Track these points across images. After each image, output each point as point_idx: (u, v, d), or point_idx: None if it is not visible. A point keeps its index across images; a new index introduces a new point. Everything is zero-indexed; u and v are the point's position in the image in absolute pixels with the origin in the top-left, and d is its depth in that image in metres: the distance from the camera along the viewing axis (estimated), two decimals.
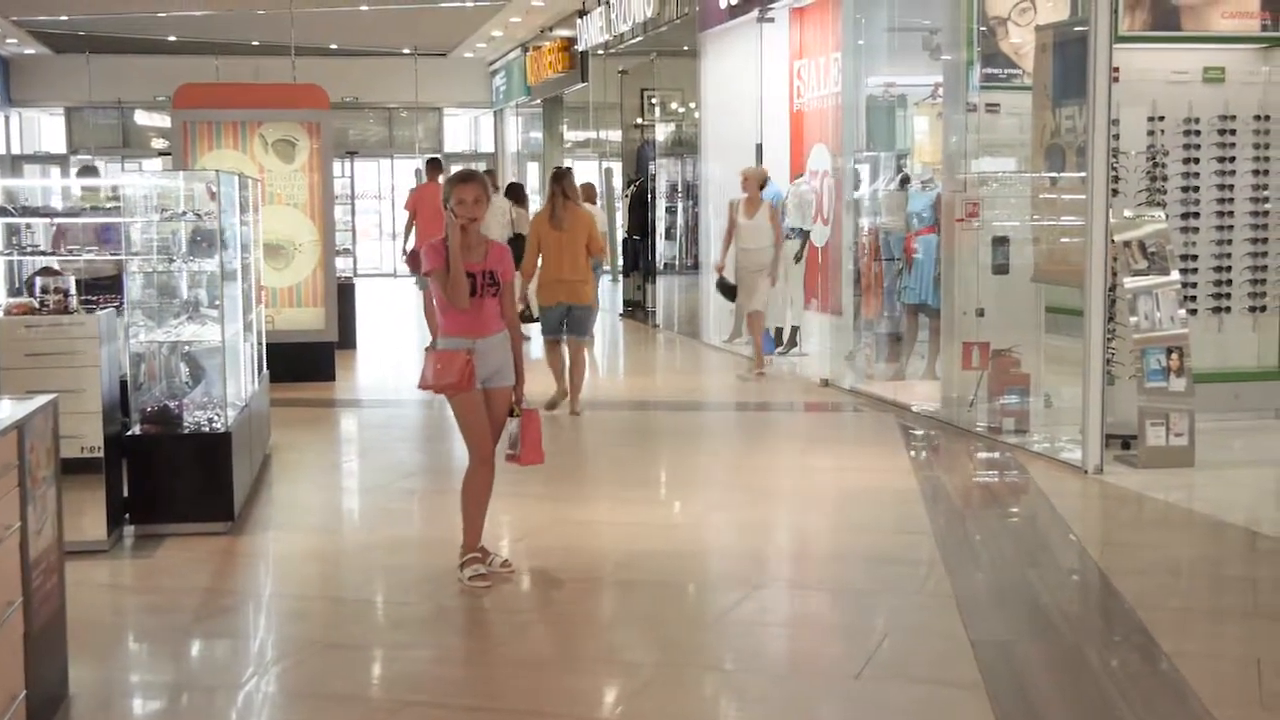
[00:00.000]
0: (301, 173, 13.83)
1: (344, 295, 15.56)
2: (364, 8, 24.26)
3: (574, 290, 11.77)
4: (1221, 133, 10.57)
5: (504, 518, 8.58)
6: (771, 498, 8.99)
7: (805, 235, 14.86)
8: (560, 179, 11.97)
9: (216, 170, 9.27)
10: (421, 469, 10.35)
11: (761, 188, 14.00)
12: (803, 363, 14.65)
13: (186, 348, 8.40)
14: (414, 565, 7.35)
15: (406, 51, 30.19)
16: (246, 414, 8.58)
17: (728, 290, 14.53)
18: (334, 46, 28.40)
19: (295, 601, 6.85)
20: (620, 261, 22.37)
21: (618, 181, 23.88)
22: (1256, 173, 10.63)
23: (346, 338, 15.61)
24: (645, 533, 7.93)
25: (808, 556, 7.84)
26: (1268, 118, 10.61)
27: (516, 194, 18.21)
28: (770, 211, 13.84)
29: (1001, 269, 10.56)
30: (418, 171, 27.78)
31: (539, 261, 11.79)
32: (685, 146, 19.41)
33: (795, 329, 15.26)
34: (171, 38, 27.57)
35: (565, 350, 12.09)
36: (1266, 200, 10.67)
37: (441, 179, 17.49)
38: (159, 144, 29.30)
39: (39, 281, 7.44)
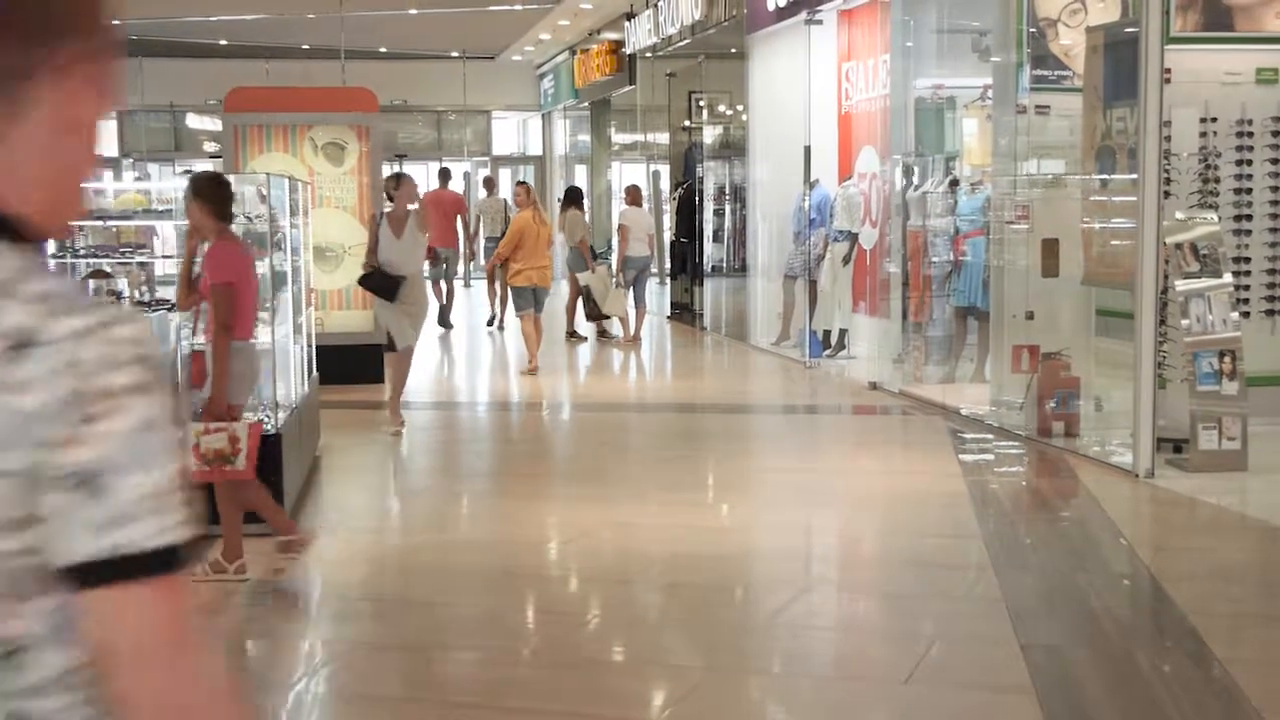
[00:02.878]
0: (350, 176, 13.89)
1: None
2: (413, 11, 24.34)
3: (543, 275, 15.17)
4: (1275, 134, 10.47)
5: (551, 519, 8.61)
6: (819, 500, 8.97)
7: (854, 238, 14.82)
8: (531, 192, 15.94)
9: (267, 173, 9.34)
10: (470, 471, 10.39)
11: None
12: (851, 365, 14.62)
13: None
14: (462, 567, 7.37)
15: (455, 54, 30.28)
16: (296, 415, 8.63)
17: None
18: (383, 50, 28.52)
19: (344, 603, 6.88)
20: (668, 264, 22.37)
21: (665, 184, 23.88)
22: None
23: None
24: (693, 535, 7.93)
25: (856, 560, 7.82)
26: None
27: (575, 198, 18.26)
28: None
29: (1051, 271, 10.50)
30: (476, 177, 27.88)
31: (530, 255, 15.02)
32: (733, 149, 19.38)
33: (844, 331, 15.22)
34: (223, 41, 27.77)
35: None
36: None
37: (451, 186, 20.12)
38: (210, 147, 29.51)
39: (91, 284, 7.50)
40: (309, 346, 10.05)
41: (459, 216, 20.11)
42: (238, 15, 24.50)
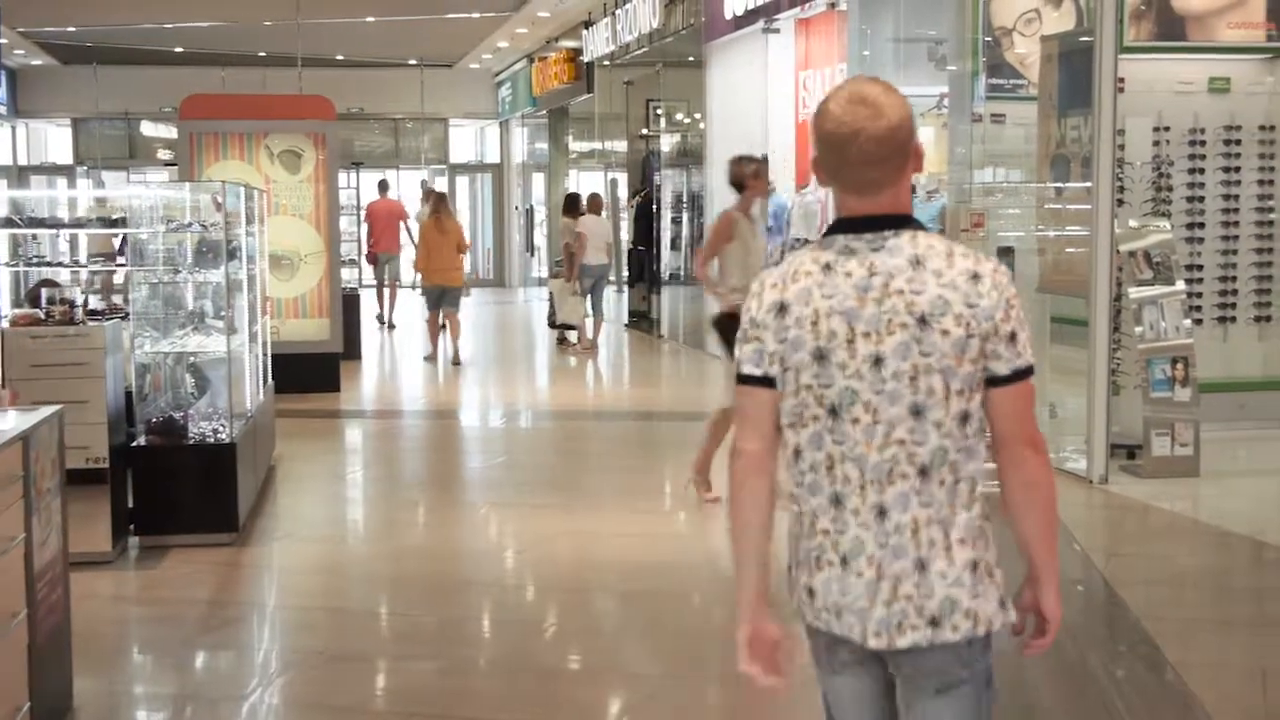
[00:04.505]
0: (307, 183, 13.84)
1: (349, 306, 15.58)
2: (370, 19, 24.27)
3: (449, 276, 16.30)
4: (1227, 143, 10.56)
5: (509, 528, 8.60)
6: (776, 508, 8.95)
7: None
8: (442, 199, 17.36)
9: (222, 181, 9.29)
10: (427, 480, 10.36)
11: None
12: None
13: (192, 359, 8.41)
14: (419, 576, 7.35)
15: (412, 62, 30.21)
16: (251, 425, 8.59)
17: None
18: (340, 57, 28.41)
19: (299, 613, 6.85)
20: (625, 272, 22.38)
21: (623, 192, 23.89)
22: (1262, 183, 10.61)
23: (351, 348, 15.62)
24: (651, 543, 7.93)
25: None
26: (1273, 128, 10.59)
27: (569, 205, 18.30)
28: None
29: None
30: (423, 183, 27.85)
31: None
32: (690, 157, 19.41)
33: None
34: (178, 49, 27.60)
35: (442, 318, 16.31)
36: (1272, 210, 10.65)
37: (390, 196, 22.10)
38: (165, 155, 29.35)
39: (44, 293, 7.45)
40: (264, 355, 9.99)
41: (401, 223, 21.62)
42: (194, 23, 24.36)
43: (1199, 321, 10.24)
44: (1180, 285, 9.51)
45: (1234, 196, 10.59)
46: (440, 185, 30.55)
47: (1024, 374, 2.83)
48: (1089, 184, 9.13)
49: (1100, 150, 8.97)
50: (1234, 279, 10.63)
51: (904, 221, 2.85)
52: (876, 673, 2.94)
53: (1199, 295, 10.46)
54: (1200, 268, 10.54)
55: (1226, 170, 10.57)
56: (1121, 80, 9.22)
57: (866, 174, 2.82)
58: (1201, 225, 10.56)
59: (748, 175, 8.78)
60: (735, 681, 5.81)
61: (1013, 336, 2.81)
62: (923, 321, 2.77)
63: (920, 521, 2.81)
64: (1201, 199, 10.56)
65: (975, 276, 2.80)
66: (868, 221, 2.85)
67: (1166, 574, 7.30)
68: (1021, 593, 3.02)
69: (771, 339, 2.86)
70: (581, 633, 6.46)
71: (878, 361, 2.79)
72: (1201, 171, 10.55)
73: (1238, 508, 8.39)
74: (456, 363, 16.23)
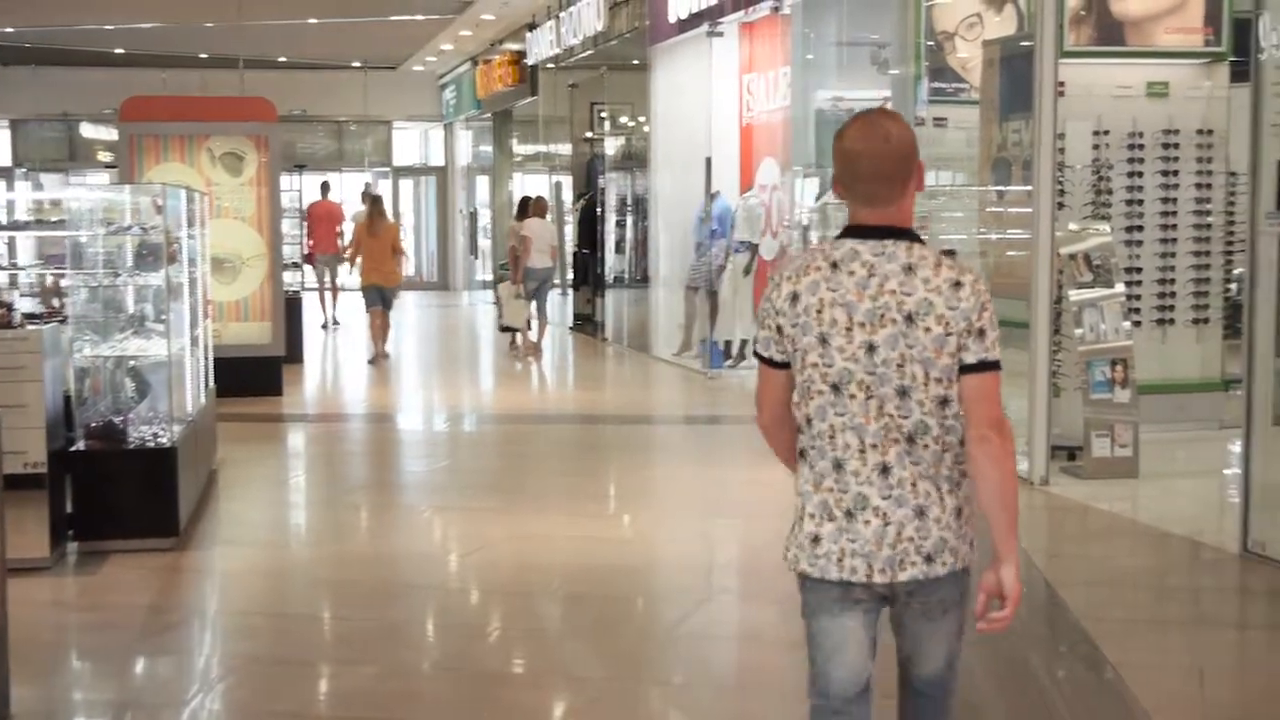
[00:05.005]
0: (249, 186, 13.75)
1: (291, 309, 15.50)
2: (313, 20, 24.15)
3: (384, 276, 16.76)
4: (1165, 146, 10.66)
5: (452, 531, 8.58)
6: (719, 510, 9.00)
7: (754, 249, 14.90)
8: (376, 202, 17.60)
9: (163, 184, 9.22)
10: (370, 483, 10.32)
11: None
12: (752, 376, 14.65)
13: (132, 362, 8.33)
14: (361, 580, 7.32)
15: (356, 65, 30.08)
16: (192, 429, 8.53)
17: None
18: (282, 59, 28.27)
19: (241, 618, 6.80)
20: (570, 275, 22.37)
21: (567, 195, 23.88)
22: (1199, 186, 10.72)
23: (294, 352, 15.53)
24: (595, 546, 7.93)
25: (757, 570, 7.84)
26: (1210, 132, 10.71)
27: (521, 208, 18.28)
28: None
29: None
30: (367, 185, 27.74)
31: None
32: (635, 160, 19.42)
33: (745, 342, 15.29)
34: (119, 50, 27.37)
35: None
36: (1209, 214, 10.77)
37: (331, 198, 22.64)
38: (105, 157, 29.09)
39: None
40: (206, 359, 9.92)
41: (338, 225, 22.07)
42: (134, 24, 24.16)
43: (1138, 324, 10.33)
44: (1120, 288, 9.59)
45: (1172, 200, 10.70)
46: (384, 188, 30.50)
47: (990, 366, 3.37)
48: (1030, 187, 9.20)
49: (1041, 154, 9.04)
50: (1172, 281, 10.74)
51: (903, 233, 3.42)
52: (872, 617, 3.49)
53: (1138, 298, 10.56)
54: (1139, 270, 10.64)
55: (1165, 174, 10.67)
56: (1062, 84, 9.30)
57: (874, 189, 3.42)
58: (1140, 228, 10.66)
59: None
60: (679, 685, 5.83)
61: (982, 333, 3.37)
62: (910, 319, 3.34)
63: (915, 476, 3.37)
64: (1140, 202, 10.66)
65: (957, 284, 3.36)
66: (873, 230, 3.42)
67: (1106, 574, 7.36)
68: (985, 576, 3.42)
69: (786, 324, 3.43)
70: (525, 636, 6.45)
71: (871, 348, 3.35)
72: (1140, 175, 10.65)
73: (1176, 508, 8.47)
74: (385, 356, 16.86)
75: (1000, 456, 3.35)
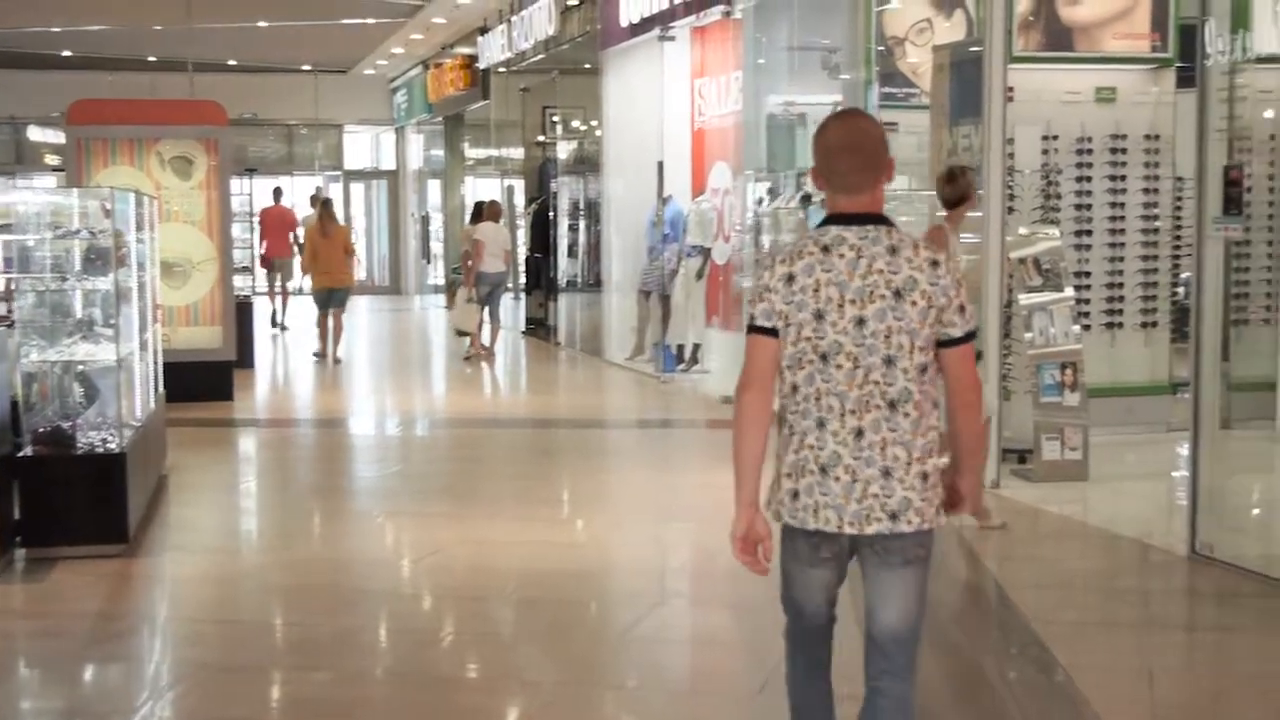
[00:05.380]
0: (199, 190, 13.65)
1: (242, 314, 15.41)
2: (263, 23, 24.04)
3: (336, 278, 17.01)
4: (1113, 151, 10.75)
5: (405, 536, 8.55)
6: (672, 515, 9.00)
7: (707, 253, 14.93)
8: (326, 205, 18.12)
9: (111, 187, 9.14)
10: (322, 489, 10.26)
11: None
12: (704, 380, 14.70)
13: (80, 367, 8.26)
14: (313, 586, 7.28)
15: (306, 68, 29.95)
16: (141, 434, 8.46)
17: None
18: (232, 63, 28.11)
19: (191, 624, 6.75)
20: (522, 279, 22.35)
21: (519, 199, 23.85)
22: (1147, 190, 10.81)
23: (245, 356, 15.44)
24: (548, 551, 7.92)
25: (709, 573, 7.86)
26: (1158, 137, 10.80)
27: (475, 213, 18.23)
28: None
29: None
30: (318, 189, 27.61)
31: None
32: (587, 164, 19.42)
33: (697, 346, 15.31)
34: (66, 53, 27.16)
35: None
36: (1157, 218, 10.86)
37: (284, 203, 22.86)
38: (53, 161, 28.83)
39: None
40: (155, 364, 9.85)
41: (290, 230, 22.40)
42: (82, 26, 23.97)
43: (1087, 327, 10.40)
44: (1069, 292, 9.65)
45: (1120, 204, 10.78)
46: (335, 192, 30.42)
47: (971, 336, 3.85)
48: (980, 192, 9.24)
49: (990, 158, 9.09)
50: (1121, 285, 10.82)
51: (881, 219, 3.88)
52: (841, 562, 3.92)
53: (1087, 301, 10.64)
54: (1088, 274, 10.72)
55: (1113, 179, 10.76)
56: (1011, 90, 9.35)
57: (854, 179, 3.88)
58: (1089, 233, 10.74)
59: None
60: (632, 689, 5.83)
61: (961, 308, 3.82)
62: (897, 294, 3.77)
63: (887, 441, 3.77)
64: (1089, 206, 10.74)
65: (934, 263, 3.81)
66: (855, 217, 3.86)
67: (1057, 577, 7.41)
68: (943, 476, 3.90)
69: (780, 301, 3.82)
70: (478, 641, 6.43)
71: (860, 322, 3.77)
72: (1089, 180, 10.73)
73: (1125, 511, 8.53)
74: (337, 361, 17.07)
75: (977, 408, 3.96)
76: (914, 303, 3.76)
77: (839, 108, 12.23)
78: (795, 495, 3.85)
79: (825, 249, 3.82)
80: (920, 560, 3.86)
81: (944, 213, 8.22)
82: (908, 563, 3.84)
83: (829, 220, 3.89)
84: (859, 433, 3.77)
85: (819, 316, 3.78)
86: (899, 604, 3.89)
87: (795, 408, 3.84)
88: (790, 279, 3.82)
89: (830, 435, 3.79)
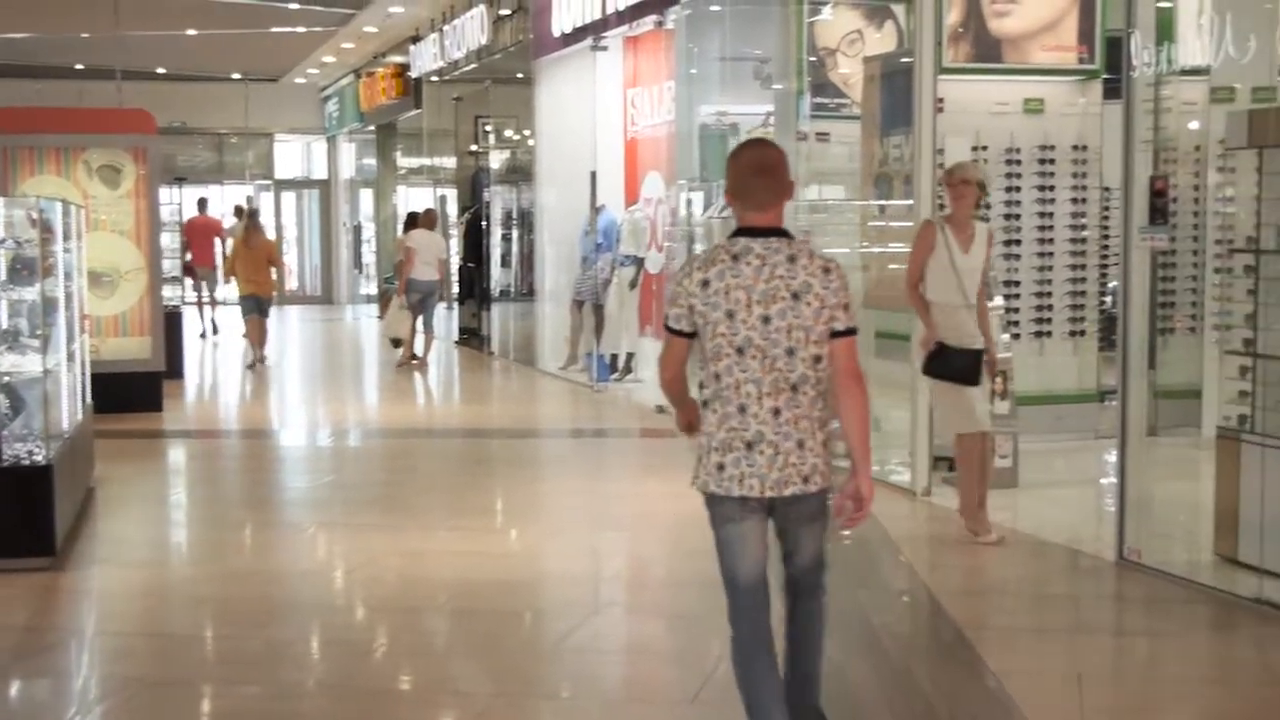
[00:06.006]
0: (127, 199, 13.52)
1: (171, 323, 15.27)
2: (192, 32, 23.84)
3: (259, 286, 17.51)
4: (1042, 162, 10.86)
5: (337, 548, 8.50)
6: (606, 524, 9.00)
7: (640, 262, 14.95)
8: (253, 216, 19.15)
9: (38, 196, 9.04)
10: (252, 500, 10.18)
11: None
12: (638, 389, 14.71)
13: (5, 378, 8.16)
14: (244, 598, 7.22)
15: (236, 76, 29.74)
16: (69, 446, 8.37)
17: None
18: (161, 71, 27.85)
19: (120, 639, 6.68)
20: (455, 289, 22.28)
21: (452, 208, 23.78)
22: (1075, 201, 10.93)
23: (174, 367, 15.30)
24: (481, 561, 7.89)
25: (643, 582, 7.87)
26: (1085, 148, 10.92)
27: (413, 221, 18.16)
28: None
29: None
30: (240, 207, 27.43)
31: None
32: (520, 174, 19.39)
33: (630, 355, 15.32)
34: None
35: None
36: (1084, 228, 10.98)
37: (209, 213, 23.47)
38: None
39: None
40: (83, 375, 9.74)
41: (216, 239, 22.80)
42: (7, 34, 23.67)
43: (1017, 336, 10.50)
44: (999, 300, 9.74)
45: (1049, 214, 10.89)
46: (266, 201, 30.26)
47: (852, 331, 4.49)
48: (910, 201, 9.32)
49: (921, 168, 9.16)
50: (1050, 294, 10.93)
51: (783, 233, 4.52)
52: (763, 520, 4.56)
53: (1016, 310, 10.74)
54: (1018, 284, 10.82)
55: (1041, 189, 10.87)
56: (941, 100, 9.43)
57: (763, 198, 4.51)
58: (1019, 242, 10.84)
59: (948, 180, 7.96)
60: (566, 699, 5.82)
61: (846, 307, 4.48)
62: (795, 296, 4.42)
63: (797, 417, 4.45)
64: (1018, 216, 10.84)
65: (826, 270, 4.47)
66: (759, 230, 4.50)
67: (987, 583, 7.47)
68: (846, 485, 4.52)
69: (698, 303, 4.46)
70: (411, 653, 6.40)
71: (766, 319, 4.42)
72: (1018, 190, 10.83)
73: (1055, 517, 8.61)
74: (263, 359, 17.68)
75: (860, 399, 4.52)
76: (809, 303, 4.42)
77: (770, 118, 12.34)
78: (721, 468, 4.50)
79: (735, 257, 4.45)
80: (824, 511, 4.60)
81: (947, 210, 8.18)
82: (815, 515, 4.59)
83: (739, 232, 4.52)
84: (776, 412, 4.45)
85: (730, 316, 4.42)
86: (811, 546, 4.65)
87: (719, 394, 4.49)
88: (706, 284, 4.45)
89: (752, 417, 4.45)
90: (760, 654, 4.59)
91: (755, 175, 4.53)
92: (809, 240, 5.85)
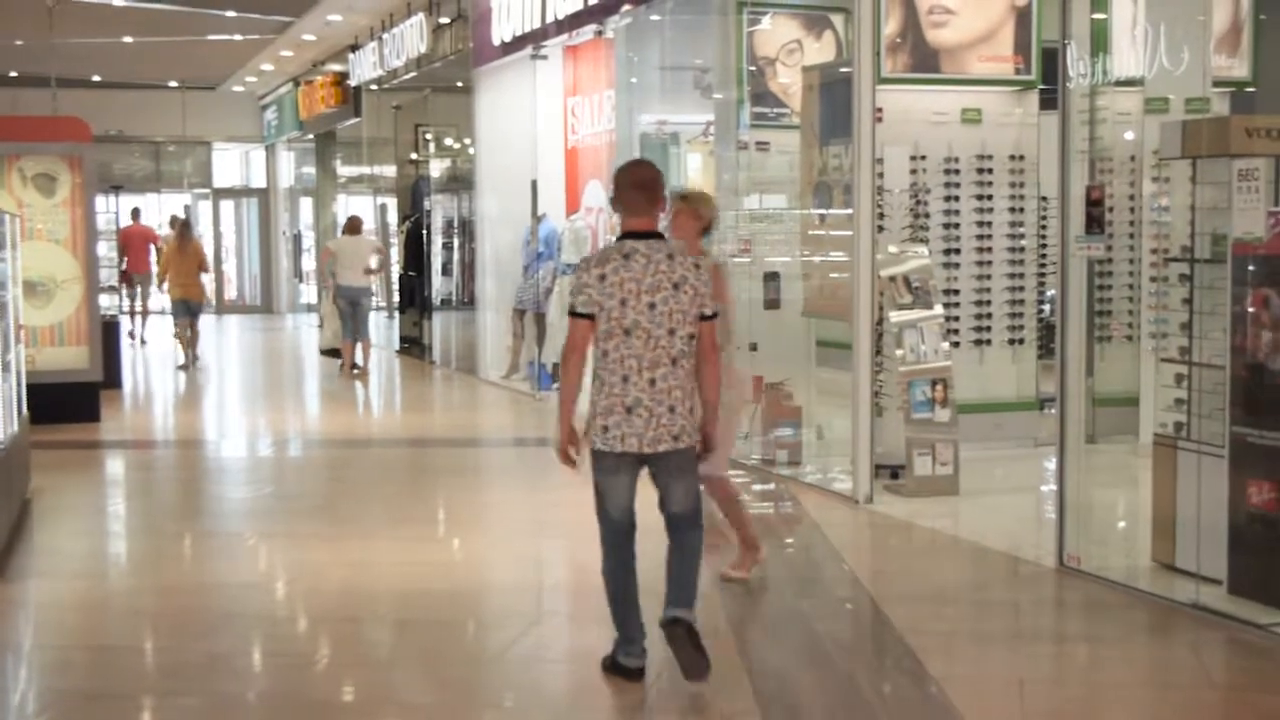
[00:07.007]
0: (63, 208, 13.39)
1: (108, 333, 15.13)
2: (128, 39, 23.64)
3: (190, 291, 18.62)
4: (980, 171, 10.94)
5: (277, 559, 8.45)
6: (550, 533, 8.99)
7: None
8: (185, 225, 19.87)
9: None
10: (191, 511, 10.11)
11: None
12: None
13: None
14: (184, 610, 7.16)
15: (173, 84, 29.51)
16: (4, 457, 8.28)
17: None
18: (97, 78, 27.61)
19: (58, 652, 6.61)
20: (396, 298, 22.19)
21: (392, 217, 23.69)
22: (1013, 210, 11.02)
23: (112, 377, 15.16)
24: (423, 571, 7.87)
25: (586, 590, 7.84)
26: (1022, 157, 11.01)
27: (346, 228, 18.11)
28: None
29: (773, 304, 10.74)
30: (175, 218, 27.24)
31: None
32: (460, 182, 19.34)
33: None
34: None
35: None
36: (1022, 237, 11.07)
37: (142, 222, 24.38)
38: None
39: None
40: (18, 385, 9.64)
41: (151, 245, 23.29)
42: None
43: (957, 344, 10.57)
44: (939, 309, 9.81)
45: (987, 223, 10.98)
46: (204, 210, 30.09)
47: (716, 315, 5.67)
48: (850, 210, 9.37)
49: (860, 178, 9.21)
50: (989, 303, 11.01)
51: (659, 235, 5.66)
52: (636, 472, 5.71)
53: (956, 319, 10.81)
54: (957, 292, 10.89)
55: (980, 198, 10.95)
56: (880, 110, 9.49)
57: (644, 207, 5.66)
58: (957, 251, 10.92)
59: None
60: (510, 708, 5.81)
61: (711, 296, 5.60)
62: (675, 287, 5.54)
63: (671, 388, 5.57)
64: (957, 225, 10.92)
65: (697, 265, 5.62)
66: (642, 233, 5.61)
67: (928, 590, 7.51)
68: (702, 431, 5.74)
69: (595, 293, 5.52)
70: (353, 664, 6.37)
71: (652, 306, 5.50)
72: (956, 199, 10.91)
73: (995, 524, 8.67)
74: (196, 359, 18.81)
75: (716, 367, 5.71)
76: (686, 292, 5.54)
77: (710, 127, 12.39)
78: (605, 429, 5.60)
79: (625, 256, 5.53)
80: (691, 464, 5.72)
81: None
82: (684, 466, 5.69)
83: (625, 236, 5.64)
84: (652, 382, 5.54)
85: (623, 303, 5.49)
86: (683, 490, 5.74)
87: (606, 367, 5.57)
88: (602, 278, 5.52)
89: (632, 386, 5.54)
90: (623, 567, 5.78)
91: (636, 189, 5.65)
92: (685, 242, 6.77)
